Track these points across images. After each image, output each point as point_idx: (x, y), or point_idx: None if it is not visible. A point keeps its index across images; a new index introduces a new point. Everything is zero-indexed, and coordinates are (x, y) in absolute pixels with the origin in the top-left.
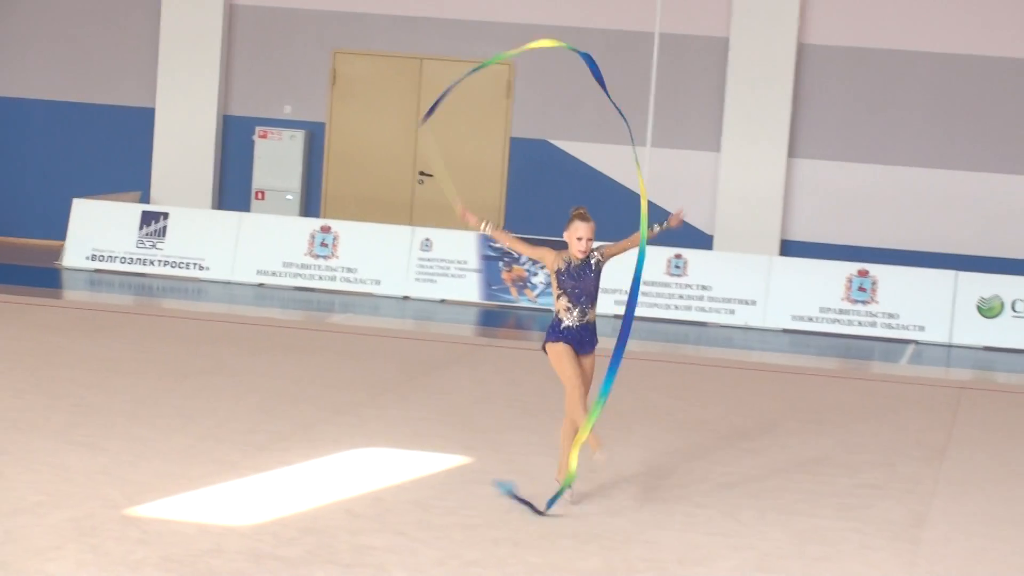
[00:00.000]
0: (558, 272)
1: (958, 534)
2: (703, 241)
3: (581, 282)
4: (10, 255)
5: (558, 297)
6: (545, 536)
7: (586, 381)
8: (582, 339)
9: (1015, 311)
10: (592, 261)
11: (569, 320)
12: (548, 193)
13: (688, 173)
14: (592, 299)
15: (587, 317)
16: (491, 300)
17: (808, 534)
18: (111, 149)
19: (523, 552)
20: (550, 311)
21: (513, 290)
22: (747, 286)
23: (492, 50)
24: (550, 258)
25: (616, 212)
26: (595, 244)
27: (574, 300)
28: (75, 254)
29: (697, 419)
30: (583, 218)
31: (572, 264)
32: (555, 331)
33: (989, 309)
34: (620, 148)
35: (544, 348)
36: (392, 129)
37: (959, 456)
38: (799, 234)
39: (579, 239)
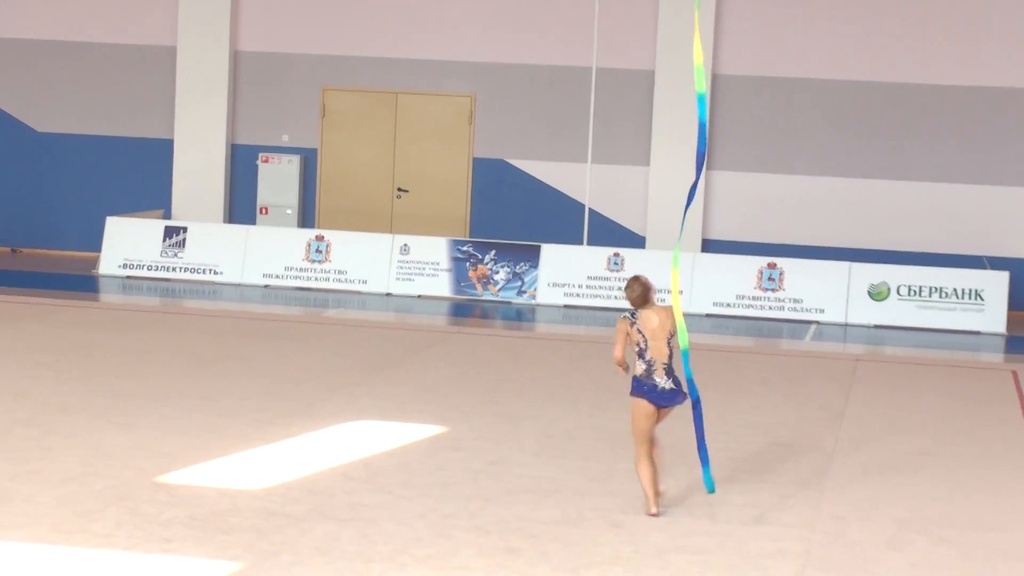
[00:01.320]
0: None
1: (856, 483)
2: (637, 241)
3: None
4: (54, 265)
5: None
6: (510, 492)
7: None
8: (670, 397)
9: (899, 294)
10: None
11: (662, 382)
12: (507, 205)
13: (623, 184)
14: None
15: (670, 378)
16: (460, 295)
17: (731, 485)
18: (137, 174)
19: (491, 506)
20: (510, 303)
21: (479, 286)
22: None
23: (457, 85)
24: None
25: (562, 219)
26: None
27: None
28: (109, 263)
29: None
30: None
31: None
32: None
33: (878, 294)
34: (566, 165)
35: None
36: (373, 153)
37: (855, 417)
38: (717, 234)
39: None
